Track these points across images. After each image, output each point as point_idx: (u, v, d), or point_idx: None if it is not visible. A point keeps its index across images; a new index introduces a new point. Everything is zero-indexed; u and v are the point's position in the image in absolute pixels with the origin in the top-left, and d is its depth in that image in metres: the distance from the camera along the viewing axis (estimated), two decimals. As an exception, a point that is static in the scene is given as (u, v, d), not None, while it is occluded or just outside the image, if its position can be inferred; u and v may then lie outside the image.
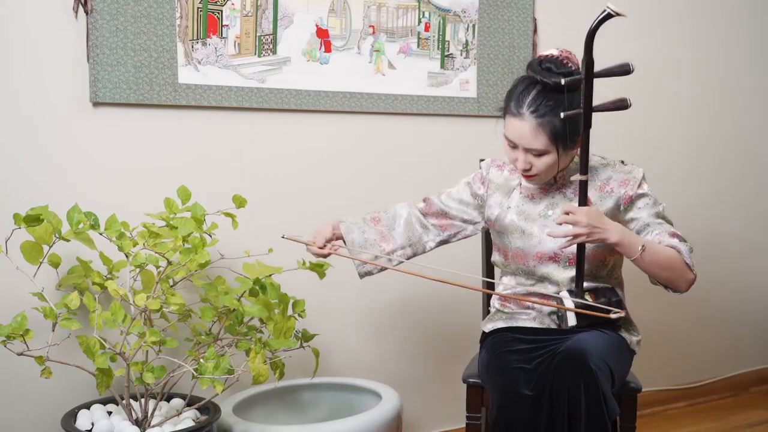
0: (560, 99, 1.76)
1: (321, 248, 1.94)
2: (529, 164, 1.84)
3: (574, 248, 1.83)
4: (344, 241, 1.99)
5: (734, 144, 3.27)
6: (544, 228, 1.90)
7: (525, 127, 1.79)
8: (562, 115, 1.73)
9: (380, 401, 2.15)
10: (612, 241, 1.73)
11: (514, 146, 1.85)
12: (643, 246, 1.74)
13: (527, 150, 1.82)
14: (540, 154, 1.81)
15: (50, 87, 2.04)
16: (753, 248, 3.37)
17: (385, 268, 2.01)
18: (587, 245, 1.81)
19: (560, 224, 1.76)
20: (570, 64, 1.80)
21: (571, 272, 1.87)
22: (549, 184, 1.94)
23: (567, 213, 1.74)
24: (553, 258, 1.90)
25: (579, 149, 1.80)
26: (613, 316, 1.71)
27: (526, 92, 1.80)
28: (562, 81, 1.74)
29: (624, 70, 1.68)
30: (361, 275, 2.03)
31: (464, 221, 2.04)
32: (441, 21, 2.54)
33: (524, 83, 1.83)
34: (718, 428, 2.96)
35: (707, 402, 3.24)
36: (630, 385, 1.92)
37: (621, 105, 1.70)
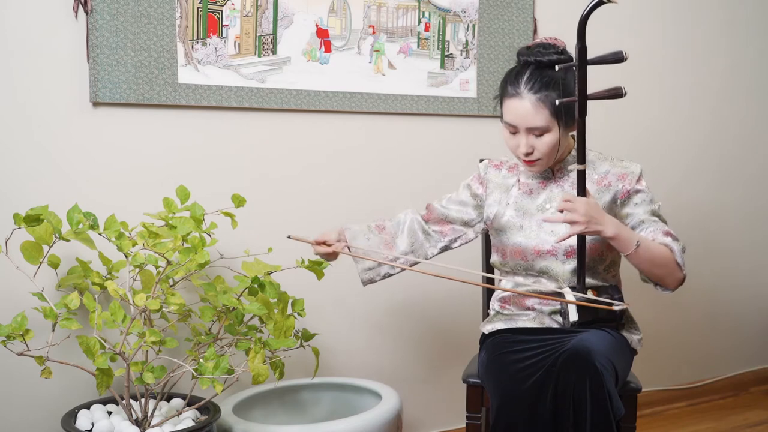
0: (554, 75, 1.81)
1: (327, 245, 1.95)
2: (531, 147, 1.85)
3: (572, 241, 1.84)
4: (349, 248, 2.00)
5: (734, 142, 3.27)
6: (542, 222, 1.92)
7: (525, 104, 1.82)
8: (557, 102, 1.76)
9: (380, 401, 2.15)
10: (607, 235, 1.75)
11: (514, 131, 1.87)
12: (638, 242, 1.76)
13: (529, 130, 1.83)
14: (542, 132, 1.83)
15: (50, 87, 2.04)
16: (753, 248, 3.37)
17: (389, 275, 2.04)
18: (586, 238, 1.82)
19: (560, 211, 1.76)
20: (558, 46, 1.86)
21: (570, 266, 1.88)
22: (547, 178, 1.96)
23: (567, 201, 1.74)
24: (551, 252, 1.90)
25: (576, 138, 1.81)
26: (616, 307, 1.72)
27: (521, 72, 1.84)
28: (554, 53, 1.82)
29: (617, 57, 1.68)
30: (364, 283, 2.04)
31: (465, 224, 2.05)
32: (441, 21, 2.54)
33: (517, 67, 1.88)
34: (718, 428, 2.96)
35: (707, 402, 3.24)
36: (630, 385, 1.92)
37: (616, 93, 1.71)
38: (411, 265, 2.02)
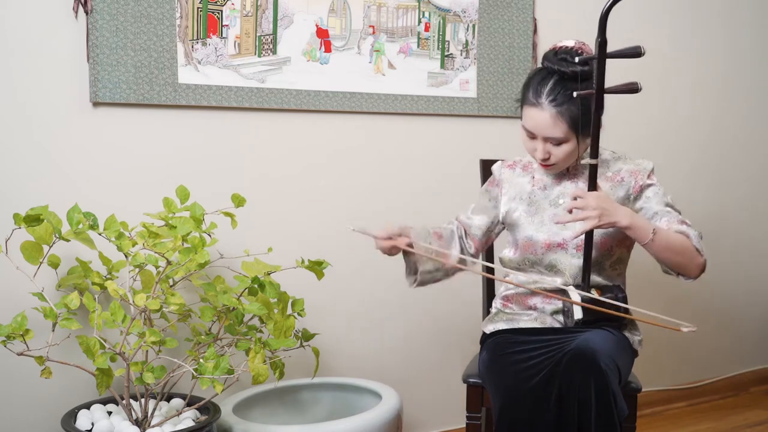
0: (578, 88, 1.79)
1: (388, 239, 1.90)
2: (548, 153, 1.86)
3: (582, 236, 1.84)
4: (411, 246, 1.99)
5: (734, 142, 3.27)
6: (554, 216, 1.93)
7: (544, 116, 1.82)
8: (575, 94, 1.75)
9: (380, 401, 2.15)
10: (623, 225, 1.75)
11: (532, 136, 1.87)
12: (654, 230, 1.76)
13: (546, 139, 1.85)
14: (559, 142, 1.84)
15: (50, 87, 2.04)
16: (753, 248, 3.37)
17: (437, 280, 2.03)
18: (596, 232, 1.82)
19: (570, 210, 1.76)
20: (584, 54, 1.83)
21: (579, 261, 1.88)
22: (561, 174, 1.97)
23: (576, 198, 1.75)
24: (562, 245, 1.91)
25: (590, 132, 1.80)
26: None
27: (544, 82, 1.83)
28: (577, 60, 1.78)
29: (636, 52, 1.70)
30: (418, 285, 2.02)
31: (488, 231, 2.06)
32: (441, 21, 2.54)
33: (541, 74, 1.86)
34: (718, 428, 2.96)
35: (707, 402, 3.24)
36: (630, 385, 1.92)
37: (632, 88, 1.72)
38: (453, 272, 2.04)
